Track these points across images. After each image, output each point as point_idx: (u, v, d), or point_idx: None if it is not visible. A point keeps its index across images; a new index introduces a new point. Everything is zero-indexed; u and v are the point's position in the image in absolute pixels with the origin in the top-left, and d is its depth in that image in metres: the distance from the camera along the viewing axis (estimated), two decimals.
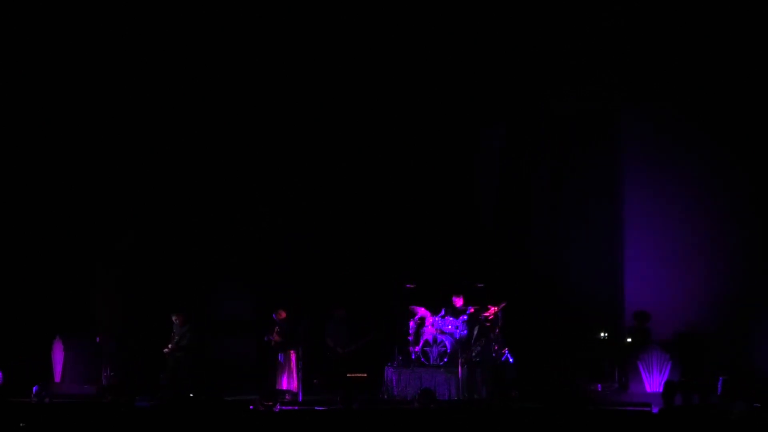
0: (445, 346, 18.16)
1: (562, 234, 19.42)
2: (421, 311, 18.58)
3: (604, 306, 18.72)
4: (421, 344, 18.33)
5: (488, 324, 18.25)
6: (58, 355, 19.13)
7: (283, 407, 16.62)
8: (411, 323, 18.56)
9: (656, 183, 18.61)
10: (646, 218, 18.57)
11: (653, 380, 16.97)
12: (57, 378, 19.11)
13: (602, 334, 17.96)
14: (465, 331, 18.25)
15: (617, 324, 18.30)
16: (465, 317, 18.29)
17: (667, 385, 16.14)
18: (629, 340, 17.69)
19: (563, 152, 19.26)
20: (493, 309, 18.29)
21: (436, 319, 18.47)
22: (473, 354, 18.10)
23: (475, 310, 18.30)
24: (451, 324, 18.40)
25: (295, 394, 17.96)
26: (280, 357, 18.25)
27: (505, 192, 19.75)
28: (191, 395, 17.58)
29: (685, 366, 16.94)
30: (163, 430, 14.70)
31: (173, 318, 18.56)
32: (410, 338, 18.53)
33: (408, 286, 18.52)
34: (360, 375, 18.15)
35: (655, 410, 15.54)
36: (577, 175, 19.20)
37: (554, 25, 18.29)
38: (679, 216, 18.48)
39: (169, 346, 18.48)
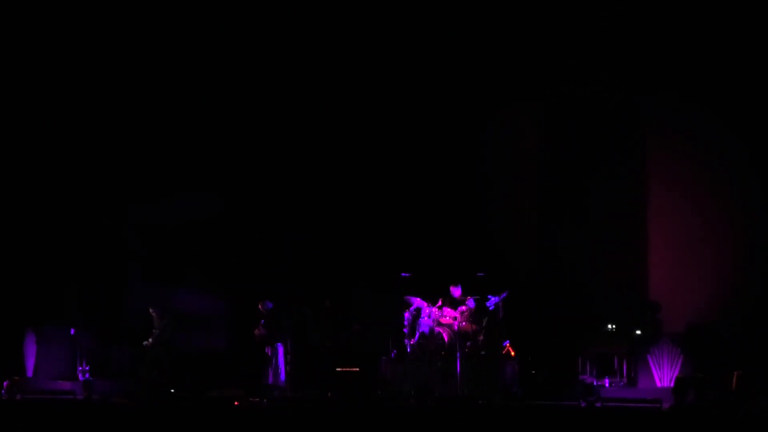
0: (442, 338, 17.97)
1: (579, 224, 19.41)
2: (417, 302, 18.37)
3: (620, 296, 18.69)
4: (417, 337, 18.13)
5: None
6: (30, 349, 18.93)
7: (271, 403, 16.72)
8: (406, 314, 18.34)
9: (679, 172, 18.76)
10: (669, 207, 18.75)
11: (664, 375, 16.87)
12: (29, 373, 18.87)
13: (609, 326, 17.82)
14: (464, 323, 18.01)
15: (642, 315, 18.18)
16: (463, 308, 18.15)
17: (679, 380, 16.06)
18: (638, 332, 17.57)
19: (585, 140, 19.31)
20: (493, 299, 18.07)
21: (433, 309, 18.27)
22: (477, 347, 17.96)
23: (475, 300, 18.14)
24: (449, 315, 18.18)
25: (283, 390, 17.82)
26: (267, 350, 18.15)
27: (528, 180, 19.82)
28: (172, 391, 17.59)
29: (698, 360, 16.77)
30: (147, 429, 14.93)
31: (151, 311, 18.42)
32: (405, 330, 18.32)
33: (403, 275, 18.27)
34: (352, 370, 17.88)
35: (665, 407, 15.64)
36: (599, 164, 19.33)
37: (574, 16, 18.62)
38: (701, 205, 18.62)
39: (149, 339, 18.32)
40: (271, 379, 17.97)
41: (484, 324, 17.97)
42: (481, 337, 17.99)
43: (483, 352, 17.86)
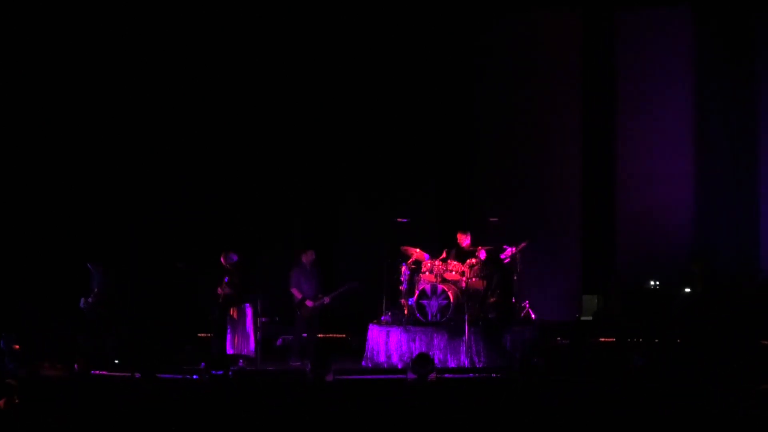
0: (447, 297, 17.36)
1: None
2: (417, 253, 17.83)
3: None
4: (416, 295, 17.57)
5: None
6: None
7: (238, 376, 16.33)
8: (404, 268, 17.79)
9: None
10: None
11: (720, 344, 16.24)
12: None
13: (652, 283, 17.30)
14: (474, 278, 17.45)
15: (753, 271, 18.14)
16: (473, 261, 17.65)
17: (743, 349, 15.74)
18: (687, 290, 16.97)
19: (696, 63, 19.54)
20: (509, 250, 17.61)
21: (436, 263, 17.67)
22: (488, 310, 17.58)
23: (488, 251, 17.53)
24: (455, 269, 17.58)
25: (252, 360, 17.39)
26: (233, 313, 17.65)
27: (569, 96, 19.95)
28: (117, 362, 17.07)
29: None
30: (86, 407, 13.96)
31: (89, 266, 17.82)
32: (402, 288, 17.82)
33: (400, 220, 18.00)
34: (337, 336, 17.82)
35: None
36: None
37: None
38: None
39: (89, 300, 17.73)
40: (238, 348, 17.43)
41: (494, 281, 17.42)
42: (494, 299, 17.48)
43: (491, 315, 17.33)
